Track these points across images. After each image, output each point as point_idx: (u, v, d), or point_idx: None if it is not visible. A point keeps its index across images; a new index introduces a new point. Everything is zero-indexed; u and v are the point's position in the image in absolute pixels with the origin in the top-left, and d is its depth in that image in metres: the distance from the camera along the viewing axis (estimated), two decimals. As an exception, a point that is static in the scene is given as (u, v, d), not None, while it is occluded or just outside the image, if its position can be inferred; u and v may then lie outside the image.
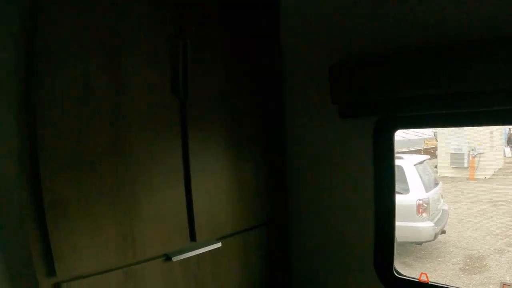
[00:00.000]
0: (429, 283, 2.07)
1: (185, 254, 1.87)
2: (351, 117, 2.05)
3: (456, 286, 5.74)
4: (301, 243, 2.48)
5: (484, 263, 6.98)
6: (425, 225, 6.99)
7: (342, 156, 2.22)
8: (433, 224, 7.09)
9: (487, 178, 12.75)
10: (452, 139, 13.21)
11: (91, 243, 1.62)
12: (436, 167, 12.97)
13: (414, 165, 7.43)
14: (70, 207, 1.56)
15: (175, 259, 1.83)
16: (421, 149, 14.40)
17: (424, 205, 6.96)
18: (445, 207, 8.14)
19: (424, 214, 6.97)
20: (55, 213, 1.52)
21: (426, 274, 2.29)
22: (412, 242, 7.27)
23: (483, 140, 13.01)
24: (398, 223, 2.13)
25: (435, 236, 7.20)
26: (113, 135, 1.68)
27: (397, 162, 2.15)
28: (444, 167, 13.39)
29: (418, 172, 7.31)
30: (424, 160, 8.35)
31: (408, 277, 2.16)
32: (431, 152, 14.08)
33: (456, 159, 13.10)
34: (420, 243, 7.36)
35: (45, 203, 1.50)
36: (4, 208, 1.64)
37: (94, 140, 1.63)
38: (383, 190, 2.08)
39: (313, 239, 2.42)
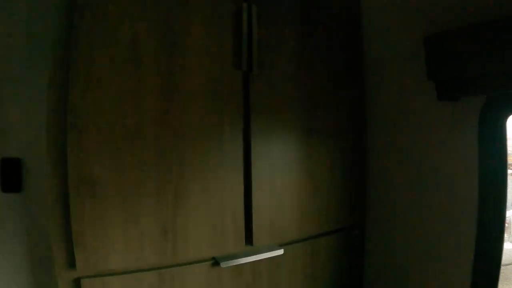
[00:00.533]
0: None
1: (238, 259, 1.67)
2: (453, 97, 1.72)
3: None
4: (379, 256, 2.19)
5: None
6: (505, 247, 6.37)
7: (437, 152, 1.87)
8: (514, 246, 6.47)
9: None
10: (534, 154, 12.40)
11: (122, 233, 1.45)
12: (516, 184, 12.23)
13: (496, 178, 6.86)
14: (99, 188, 1.40)
15: (224, 264, 1.62)
16: (498, 165, 13.69)
17: (506, 224, 6.35)
18: (527, 229, 7.46)
19: (505, 234, 6.36)
20: (81, 195, 1.37)
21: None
22: (488, 265, 6.72)
23: None
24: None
25: (515, 260, 6.56)
26: (161, 106, 1.51)
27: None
28: (525, 185, 12.61)
29: (501, 187, 6.75)
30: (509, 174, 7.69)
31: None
32: (510, 168, 13.31)
33: (539, 177, 12.29)
34: (497, 266, 6.78)
35: (70, 182, 1.36)
36: (29, 183, 1.59)
37: (137, 109, 1.46)
38: (490, 196, 1.71)
39: (394, 252, 2.11)
